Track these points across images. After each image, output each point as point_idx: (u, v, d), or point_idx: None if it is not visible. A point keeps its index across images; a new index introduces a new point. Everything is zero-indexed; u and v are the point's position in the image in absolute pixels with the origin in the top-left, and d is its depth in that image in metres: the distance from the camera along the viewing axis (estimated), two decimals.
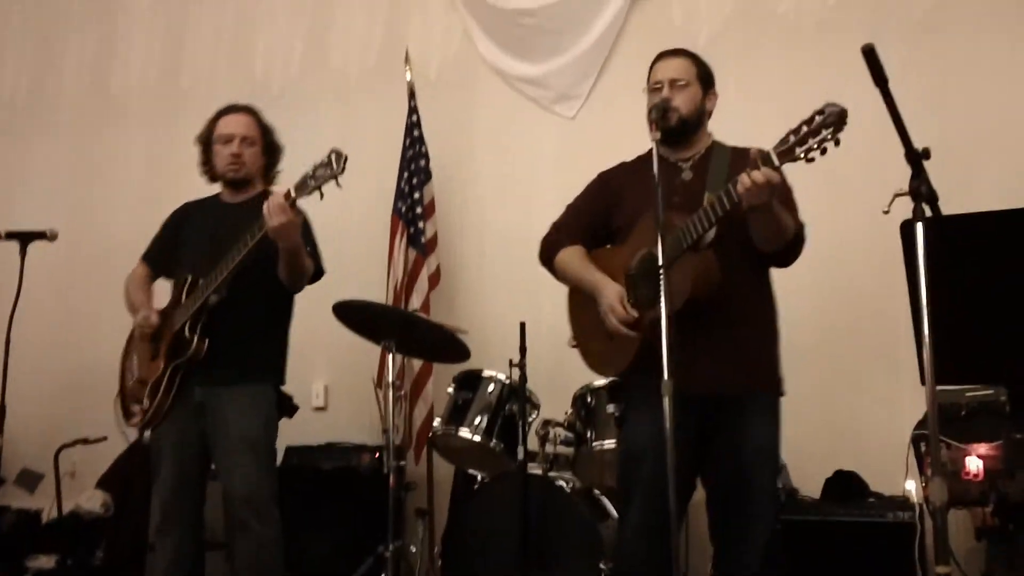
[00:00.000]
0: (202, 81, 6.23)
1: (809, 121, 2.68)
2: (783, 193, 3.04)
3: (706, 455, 3.14)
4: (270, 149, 4.07)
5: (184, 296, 3.80)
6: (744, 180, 2.81)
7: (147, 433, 3.93)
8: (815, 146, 2.67)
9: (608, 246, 3.42)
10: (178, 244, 4.03)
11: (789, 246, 3.14)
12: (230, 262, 3.64)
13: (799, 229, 3.14)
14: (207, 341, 3.74)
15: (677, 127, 3.19)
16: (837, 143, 2.66)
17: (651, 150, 3.29)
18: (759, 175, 2.78)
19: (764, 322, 3.28)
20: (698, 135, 3.31)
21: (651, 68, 3.36)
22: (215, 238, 3.82)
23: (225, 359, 3.76)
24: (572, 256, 3.43)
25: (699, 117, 3.30)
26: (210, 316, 3.76)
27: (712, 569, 3.28)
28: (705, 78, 3.33)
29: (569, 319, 3.53)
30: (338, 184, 3.44)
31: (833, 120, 2.63)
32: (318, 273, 3.95)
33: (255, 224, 3.58)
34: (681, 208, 3.05)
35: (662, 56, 3.35)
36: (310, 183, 3.47)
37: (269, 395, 3.90)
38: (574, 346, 3.47)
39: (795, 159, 2.73)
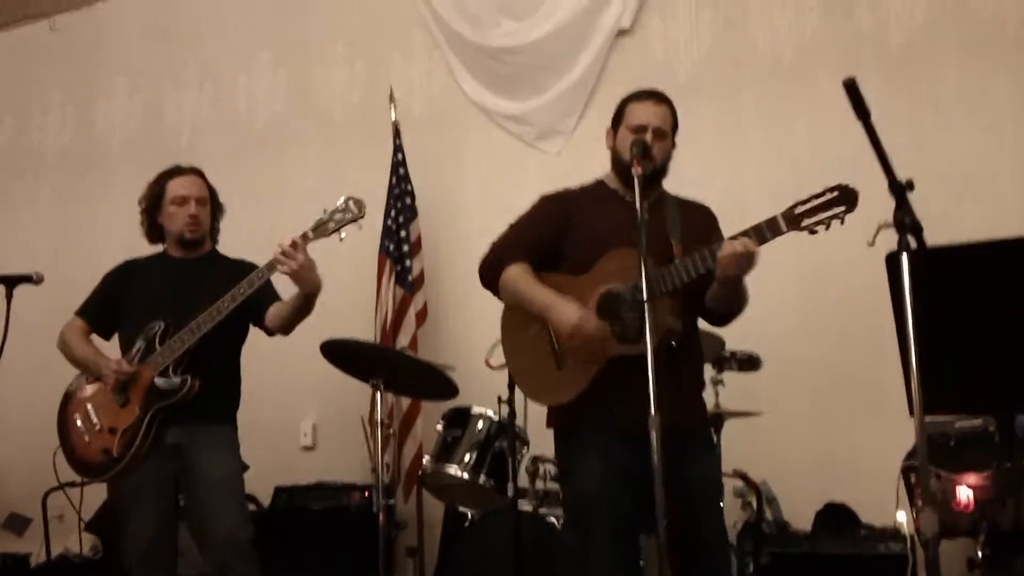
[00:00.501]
0: (186, 122, 6.25)
1: (819, 195, 2.72)
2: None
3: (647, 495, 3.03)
4: (215, 208, 4.15)
5: (157, 343, 3.81)
6: (726, 248, 2.88)
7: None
8: (823, 221, 2.72)
9: (564, 274, 3.27)
10: (121, 301, 4.05)
11: (734, 314, 3.26)
12: (228, 304, 3.70)
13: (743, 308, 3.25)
14: (198, 380, 3.77)
15: (649, 177, 3.13)
16: (842, 222, 2.71)
17: (598, 181, 3.41)
18: (742, 246, 2.86)
19: (700, 363, 3.40)
20: (659, 180, 3.32)
21: (628, 104, 3.34)
22: (174, 293, 3.90)
23: (202, 400, 3.79)
24: (521, 274, 3.30)
25: (664, 166, 3.30)
26: (188, 358, 3.79)
27: None
28: (675, 128, 3.34)
29: (502, 339, 3.41)
30: (360, 227, 3.63)
31: (846, 200, 2.69)
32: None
33: (229, 285, 3.69)
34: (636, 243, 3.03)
35: (645, 97, 3.32)
36: (329, 226, 3.59)
37: (237, 436, 4.00)
38: (495, 367, 3.42)
39: (800, 229, 2.77)
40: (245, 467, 4.13)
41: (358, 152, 5.79)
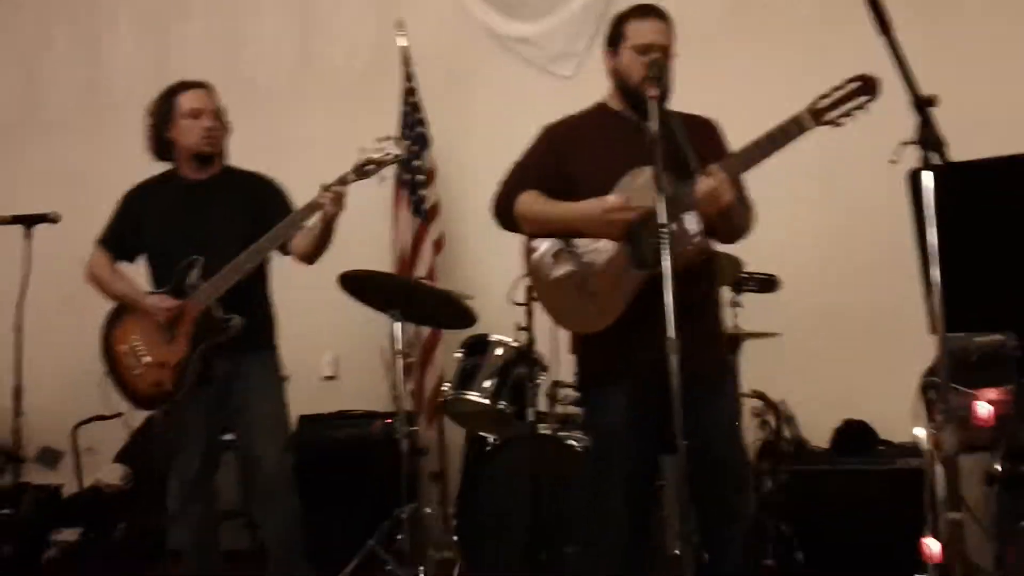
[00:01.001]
0: (193, 70, 6.19)
1: (840, 87, 2.69)
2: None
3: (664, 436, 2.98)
4: (224, 125, 4.06)
5: (196, 278, 3.79)
6: (705, 195, 2.85)
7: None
8: (847, 112, 2.70)
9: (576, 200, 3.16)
10: (142, 224, 3.99)
11: (734, 240, 3.20)
12: (272, 243, 3.70)
13: (752, 218, 3.17)
14: (243, 319, 3.77)
15: (661, 97, 3.03)
16: (865, 110, 2.70)
17: (599, 105, 3.31)
18: (717, 195, 2.84)
19: (716, 294, 3.29)
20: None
21: (628, 23, 3.19)
22: (198, 215, 3.86)
23: (245, 331, 3.79)
24: (535, 197, 3.22)
25: (670, 91, 3.14)
26: (228, 293, 3.78)
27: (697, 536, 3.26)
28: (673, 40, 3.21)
29: (531, 275, 3.34)
30: (400, 164, 3.57)
31: (868, 88, 2.68)
32: None
33: (254, 203, 3.75)
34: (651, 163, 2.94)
35: (647, 14, 3.18)
36: (370, 168, 3.58)
37: (278, 361, 4.02)
38: (520, 304, 3.37)
39: (824, 123, 2.74)
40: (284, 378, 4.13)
41: (368, 85, 5.75)
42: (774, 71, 4.93)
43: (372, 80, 5.73)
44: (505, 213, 3.32)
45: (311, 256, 3.84)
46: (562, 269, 3.17)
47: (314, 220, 3.73)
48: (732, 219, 3.00)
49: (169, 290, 3.86)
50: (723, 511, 3.09)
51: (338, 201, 3.58)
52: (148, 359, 3.88)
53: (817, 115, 2.76)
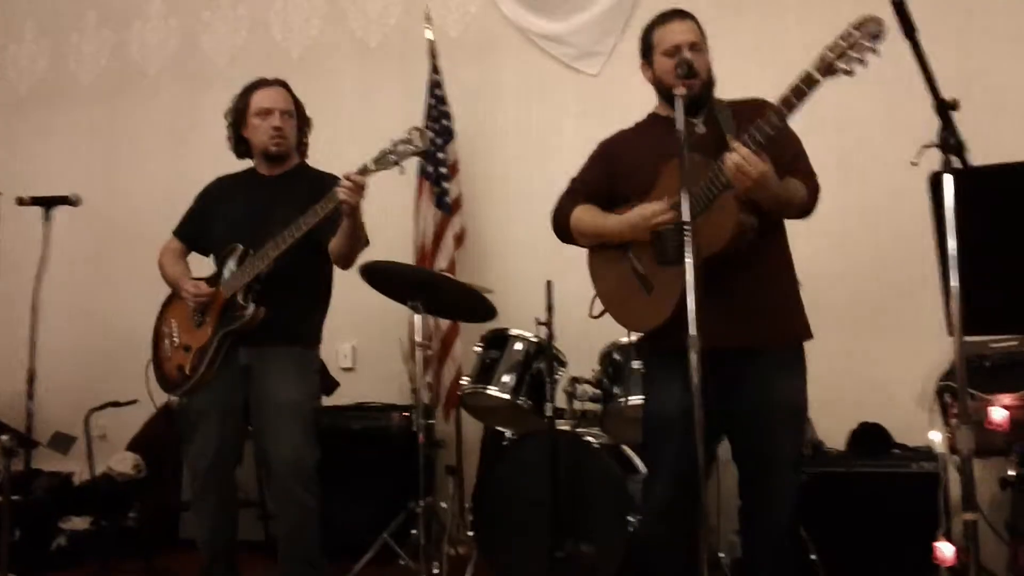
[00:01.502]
0: (221, 45, 6.26)
1: (845, 35, 2.65)
2: (790, 159, 3.05)
3: (731, 412, 3.08)
4: (302, 121, 4.09)
5: (235, 265, 3.82)
6: (727, 163, 2.83)
7: (176, 398, 4.00)
8: (857, 57, 2.63)
9: (629, 205, 3.25)
10: (212, 218, 4.03)
11: (796, 214, 3.14)
12: (294, 232, 3.66)
13: (811, 197, 3.11)
14: (263, 309, 3.76)
15: (700, 94, 3.14)
16: (877, 53, 2.62)
17: (651, 115, 3.37)
18: (745, 168, 2.80)
19: (779, 269, 3.24)
20: (710, 95, 3.25)
21: (654, 32, 3.28)
22: (257, 211, 3.85)
23: (274, 320, 3.78)
24: (587, 211, 3.33)
25: (711, 78, 3.24)
26: (261, 284, 3.78)
27: (740, 522, 3.30)
28: (705, 39, 3.27)
29: (594, 283, 3.40)
30: (424, 160, 3.52)
31: (870, 31, 2.60)
32: (364, 243, 3.92)
33: (312, 201, 3.62)
34: (700, 163, 2.99)
35: (668, 19, 3.26)
36: (390, 158, 3.52)
37: (313, 360, 3.96)
38: (597, 316, 3.36)
39: (835, 73, 2.68)
40: (333, 385, 4.12)
41: (395, 74, 5.78)
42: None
43: (402, 64, 5.75)
44: (562, 228, 3.43)
45: (344, 256, 3.79)
46: (621, 271, 3.24)
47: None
48: (772, 191, 2.93)
49: (209, 278, 3.91)
50: (772, 485, 3.12)
51: (357, 191, 3.53)
52: (177, 342, 3.94)
53: (827, 67, 2.70)
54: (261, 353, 3.82)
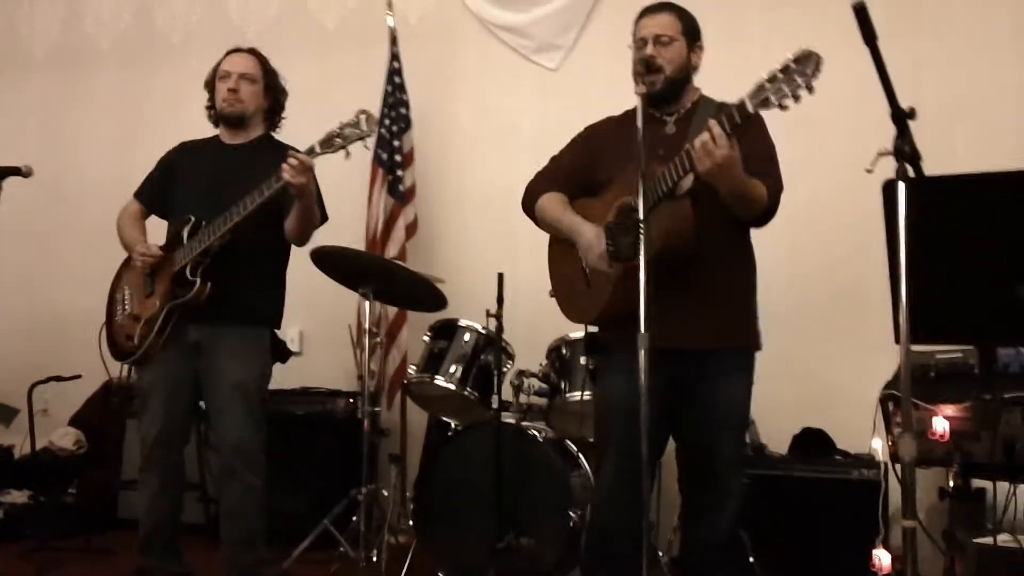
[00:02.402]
0: (176, 23, 6.17)
1: (784, 69, 2.65)
2: (758, 160, 3.02)
3: (678, 411, 3.10)
4: (273, 91, 4.03)
5: (186, 237, 3.76)
6: (696, 143, 2.80)
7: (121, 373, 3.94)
8: (789, 93, 2.63)
9: (588, 198, 3.30)
10: (173, 183, 3.98)
11: (758, 215, 3.11)
12: (241, 210, 3.62)
13: (771, 200, 3.09)
14: (209, 285, 3.71)
15: (664, 89, 3.12)
16: (811, 90, 2.62)
17: (626, 111, 3.31)
18: (710, 147, 2.77)
19: (740, 277, 3.24)
20: (685, 91, 3.24)
21: (636, 23, 3.27)
22: (216, 180, 3.81)
23: (224, 301, 3.74)
24: (552, 201, 3.35)
25: (685, 74, 3.21)
26: (212, 259, 3.73)
27: (678, 520, 3.32)
28: (691, 32, 3.23)
29: (549, 269, 3.46)
30: (367, 146, 3.56)
31: (807, 67, 2.59)
32: (322, 220, 3.90)
33: (270, 174, 3.57)
34: (664, 161, 2.98)
35: (647, 11, 3.25)
36: (336, 141, 3.49)
37: (265, 339, 3.91)
38: (553, 295, 3.42)
39: (769, 106, 2.67)
40: (285, 354, 4.09)
41: (352, 60, 5.73)
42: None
43: (360, 48, 5.71)
44: (528, 206, 3.45)
45: (297, 234, 3.78)
46: (572, 261, 3.26)
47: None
48: (734, 181, 2.91)
49: (162, 247, 3.84)
50: (714, 485, 3.13)
51: (302, 171, 3.48)
52: (128, 310, 3.89)
53: (760, 100, 2.69)
54: (211, 331, 3.77)
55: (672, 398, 3.03)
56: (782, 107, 2.66)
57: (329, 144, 3.50)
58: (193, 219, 3.76)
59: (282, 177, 3.50)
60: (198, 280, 3.71)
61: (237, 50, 4.03)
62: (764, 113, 2.77)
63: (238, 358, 3.77)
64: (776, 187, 3.11)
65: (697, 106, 3.21)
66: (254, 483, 3.75)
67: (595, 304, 3.16)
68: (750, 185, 2.98)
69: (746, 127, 2.79)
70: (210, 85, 4.01)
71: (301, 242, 3.85)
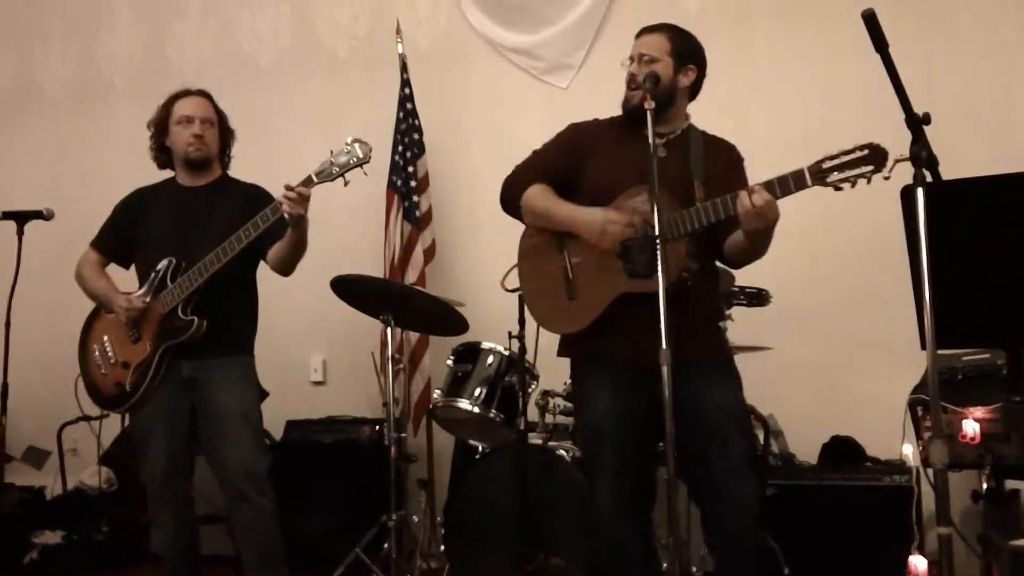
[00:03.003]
0: (189, 57, 6.22)
1: (849, 152, 2.67)
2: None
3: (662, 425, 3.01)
4: (225, 133, 4.09)
5: (169, 279, 3.80)
6: (744, 202, 2.81)
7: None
8: (849, 178, 2.67)
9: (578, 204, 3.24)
10: (135, 229, 4.00)
11: (751, 262, 3.18)
12: (235, 245, 3.66)
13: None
14: (204, 322, 3.76)
15: (639, 106, 3.07)
16: (869, 181, 2.67)
17: (617, 116, 3.33)
18: (759, 200, 2.79)
19: (711, 293, 3.31)
20: (671, 112, 3.23)
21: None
22: (186, 222, 3.86)
23: (213, 334, 3.78)
24: (542, 191, 3.28)
25: (669, 95, 3.18)
26: (199, 296, 3.78)
27: (705, 535, 3.27)
28: (680, 53, 3.22)
29: (519, 264, 3.40)
30: (365, 172, 3.54)
31: (875, 159, 2.63)
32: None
33: (240, 212, 3.66)
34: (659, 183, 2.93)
35: (641, 31, 3.30)
36: (334, 170, 3.51)
37: (252, 367, 3.98)
38: (509, 290, 3.41)
39: (825, 185, 2.72)
40: (264, 394, 4.14)
41: (364, 88, 5.76)
42: (774, 88, 4.97)
43: (371, 75, 5.72)
44: (511, 199, 3.38)
45: (284, 264, 3.81)
46: (551, 264, 3.23)
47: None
48: (765, 240, 2.99)
49: (143, 292, 3.87)
50: (725, 480, 3.05)
51: (301, 202, 3.52)
52: (114, 359, 3.91)
53: (818, 176, 2.75)
54: (204, 365, 3.81)
55: (654, 416, 2.88)
56: (837, 188, 2.72)
57: (327, 174, 3.53)
58: (173, 260, 3.80)
59: (279, 209, 3.54)
60: (195, 318, 3.75)
61: (188, 92, 4.05)
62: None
63: (235, 386, 3.83)
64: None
65: (688, 133, 3.24)
66: (266, 505, 3.78)
67: (581, 317, 3.14)
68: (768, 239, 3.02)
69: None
70: (161, 126, 4.02)
71: (288, 271, 3.86)
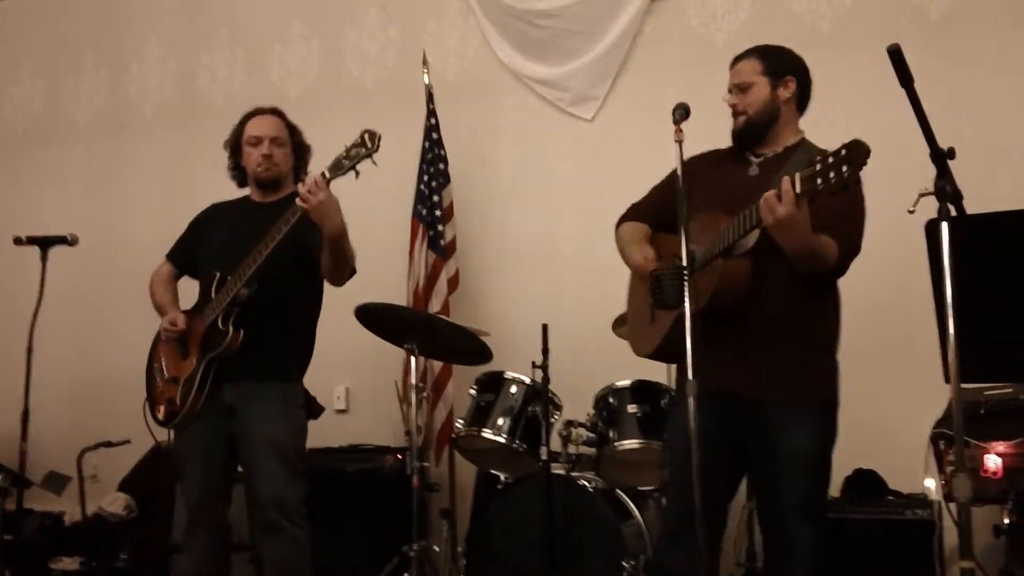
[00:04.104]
0: (219, 87, 6.29)
1: (831, 155, 2.66)
2: (831, 215, 2.95)
3: (745, 455, 3.09)
4: (299, 149, 4.12)
5: (213, 292, 3.82)
6: (762, 202, 2.80)
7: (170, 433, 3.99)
8: (833, 180, 2.63)
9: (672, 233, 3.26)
10: (204, 243, 4.05)
11: (828, 270, 3.07)
12: (262, 251, 3.67)
13: (840, 261, 3.06)
14: (242, 332, 3.76)
15: (744, 128, 3.21)
16: (857, 181, 2.70)
17: (729, 146, 3.36)
18: (773, 204, 2.76)
19: (809, 332, 3.16)
20: (775, 130, 3.22)
21: None
22: (244, 236, 3.83)
23: (256, 354, 3.79)
24: (629, 231, 3.44)
25: (771, 113, 3.21)
26: (243, 309, 3.78)
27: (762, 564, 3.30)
28: (774, 70, 3.24)
29: (627, 301, 3.58)
30: (374, 162, 3.57)
31: (855, 156, 2.60)
32: (351, 271, 3.92)
33: (287, 213, 3.64)
34: (740, 203, 2.96)
35: (732, 61, 3.33)
36: (344, 163, 3.56)
37: (296, 394, 3.95)
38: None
39: (817, 189, 2.68)
40: (320, 410, 4.17)
41: (391, 119, 5.76)
42: None
43: (399, 106, 5.74)
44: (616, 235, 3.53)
45: (327, 271, 3.82)
46: (641, 289, 3.29)
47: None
48: (797, 239, 2.87)
49: (193, 306, 3.91)
50: (779, 531, 3.08)
51: (315, 190, 3.52)
52: (167, 376, 3.94)
53: (806, 181, 2.71)
54: (244, 390, 3.81)
55: (737, 441, 3.05)
56: (831, 193, 2.68)
57: (338, 167, 3.58)
58: (219, 274, 3.83)
59: (297, 206, 3.57)
60: (230, 328, 3.76)
61: (260, 111, 4.10)
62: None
63: (271, 415, 3.81)
64: (848, 248, 3.07)
65: (795, 149, 3.19)
66: (299, 536, 3.78)
67: (651, 339, 3.24)
68: (817, 244, 2.93)
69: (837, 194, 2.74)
70: (233, 146, 4.09)
71: (336, 281, 3.87)
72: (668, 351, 3.20)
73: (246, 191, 4.14)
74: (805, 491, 3.09)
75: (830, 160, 2.64)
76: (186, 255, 4.13)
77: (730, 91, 3.28)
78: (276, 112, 4.11)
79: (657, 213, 3.39)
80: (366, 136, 3.57)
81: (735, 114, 3.22)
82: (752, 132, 3.22)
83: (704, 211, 3.10)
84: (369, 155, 3.56)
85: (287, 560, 3.78)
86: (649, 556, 3.76)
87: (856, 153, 2.59)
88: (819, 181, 2.66)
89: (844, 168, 2.60)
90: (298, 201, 3.57)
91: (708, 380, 2.86)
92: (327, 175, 3.57)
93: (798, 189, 2.72)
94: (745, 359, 3.04)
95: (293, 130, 4.11)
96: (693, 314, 2.76)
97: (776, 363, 3.06)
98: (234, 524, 4.35)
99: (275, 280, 3.77)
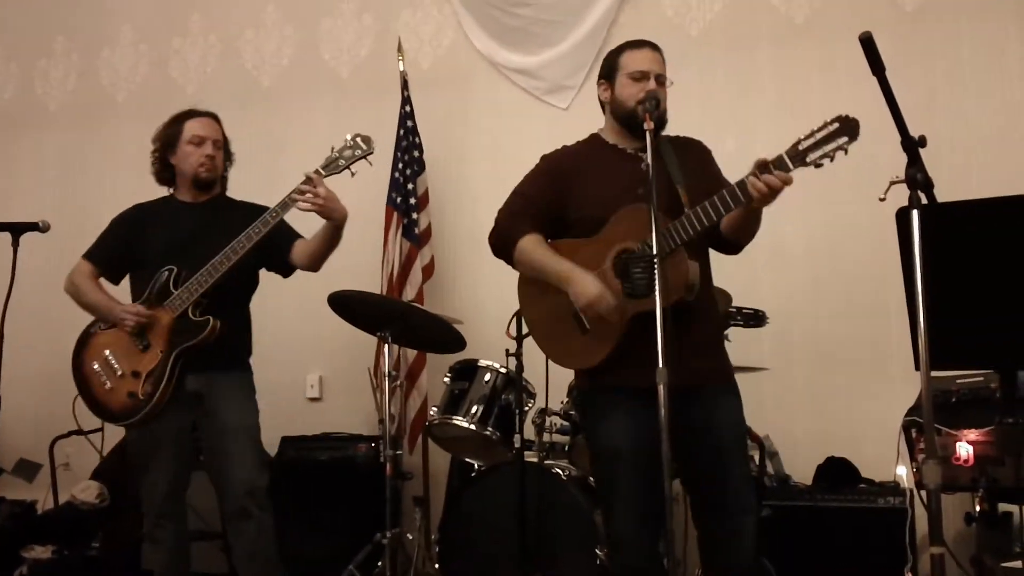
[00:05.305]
0: (191, 74, 6.25)
1: (821, 128, 2.69)
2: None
3: (681, 448, 2.98)
4: (228, 156, 4.15)
5: (172, 286, 3.82)
6: (758, 185, 2.79)
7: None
8: (827, 153, 2.69)
9: (574, 238, 3.22)
10: (138, 243, 4.01)
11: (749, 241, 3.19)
12: (246, 242, 3.73)
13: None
14: (218, 322, 3.78)
15: (662, 121, 3.16)
16: (846, 152, 2.69)
17: (593, 136, 3.37)
18: (776, 180, 2.77)
19: (716, 315, 3.32)
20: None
21: (624, 53, 3.28)
22: (192, 234, 3.89)
23: (220, 347, 3.81)
24: (535, 245, 3.24)
25: (665, 119, 3.21)
26: (207, 299, 3.81)
27: (701, 555, 3.29)
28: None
29: (522, 309, 3.45)
30: (369, 163, 3.68)
31: (847, 130, 2.65)
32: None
33: (239, 229, 3.73)
34: (640, 197, 3.00)
35: (641, 45, 3.26)
36: (339, 163, 3.66)
37: (253, 382, 4.04)
38: (515, 337, 3.40)
39: (805, 165, 2.74)
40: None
41: (366, 107, 5.77)
42: (767, 111, 4.99)
43: (374, 95, 5.74)
44: (503, 249, 3.34)
45: (315, 259, 3.90)
46: (555, 303, 3.20)
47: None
48: (757, 221, 3.05)
49: (143, 300, 3.89)
50: (734, 502, 3.09)
51: (313, 193, 3.62)
52: (121, 371, 3.89)
53: (796, 158, 2.76)
54: (208, 378, 3.85)
55: (678, 435, 2.92)
56: (817, 166, 2.73)
57: (333, 166, 3.68)
58: (175, 269, 3.84)
59: (288, 205, 3.70)
60: (209, 318, 3.78)
61: (198, 112, 4.10)
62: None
63: (238, 402, 3.90)
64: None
65: (658, 141, 3.17)
66: (268, 522, 3.83)
67: (598, 350, 3.11)
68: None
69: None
70: (170, 142, 4.05)
71: (317, 267, 3.94)
72: (615, 360, 3.09)
73: (165, 191, 4.14)
74: (746, 462, 3.27)
75: (821, 135, 2.71)
76: (109, 256, 4.08)
77: (647, 76, 3.19)
78: (215, 116, 4.13)
79: (541, 216, 3.29)
80: (359, 139, 3.68)
81: (659, 104, 3.06)
82: (659, 131, 3.14)
83: (623, 205, 3.08)
84: (365, 156, 3.67)
85: (258, 546, 3.82)
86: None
87: (850, 126, 2.67)
88: (810, 156, 2.74)
89: (838, 141, 2.69)
90: (299, 202, 3.65)
91: (640, 381, 2.84)
92: (321, 173, 3.67)
93: (790, 166, 2.77)
94: (679, 351, 2.90)
95: (225, 136, 4.13)
96: (665, 305, 2.75)
97: (697, 349, 3.08)
98: (202, 513, 4.35)
99: (234, 276, 3.81)
